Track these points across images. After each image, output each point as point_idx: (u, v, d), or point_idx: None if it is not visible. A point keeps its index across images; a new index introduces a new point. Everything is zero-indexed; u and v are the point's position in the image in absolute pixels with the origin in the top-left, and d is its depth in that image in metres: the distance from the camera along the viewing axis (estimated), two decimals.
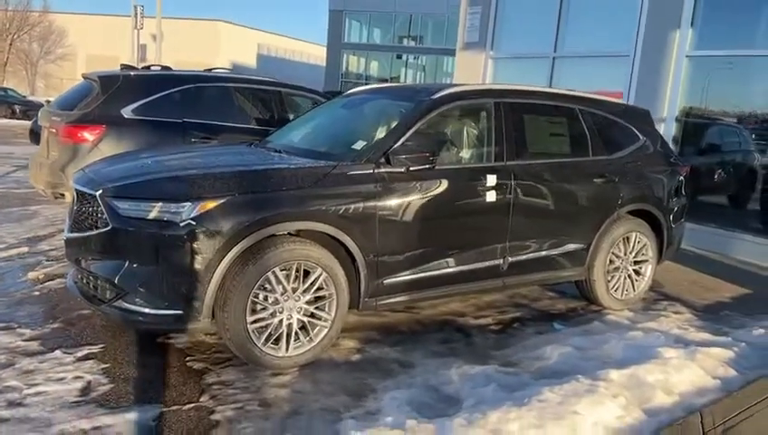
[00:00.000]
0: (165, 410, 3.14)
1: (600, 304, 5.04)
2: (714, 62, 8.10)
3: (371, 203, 3.74)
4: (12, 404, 3.09)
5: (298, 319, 3.61)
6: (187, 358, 3.75)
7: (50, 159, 6.20)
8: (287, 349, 3.59)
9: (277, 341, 3.56)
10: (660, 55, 8.30)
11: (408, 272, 3.99)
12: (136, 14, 40.65)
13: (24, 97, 31.10)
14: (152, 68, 7.17)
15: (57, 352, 3.68)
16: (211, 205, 3.30)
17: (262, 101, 6.98)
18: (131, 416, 3.06)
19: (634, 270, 5.15)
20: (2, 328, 3.99)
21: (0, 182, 9.78)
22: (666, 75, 8.26)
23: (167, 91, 6.39)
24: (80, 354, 3.67)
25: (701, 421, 3.15)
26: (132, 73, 6.50)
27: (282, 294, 3.53)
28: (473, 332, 4.51)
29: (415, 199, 3.93)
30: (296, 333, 3.62)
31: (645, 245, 5.12)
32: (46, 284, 4.87)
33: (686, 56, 8.12)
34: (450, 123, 4.39)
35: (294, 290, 3.57)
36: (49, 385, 3.30)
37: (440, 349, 4.15)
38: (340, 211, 3.63)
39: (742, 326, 4.89)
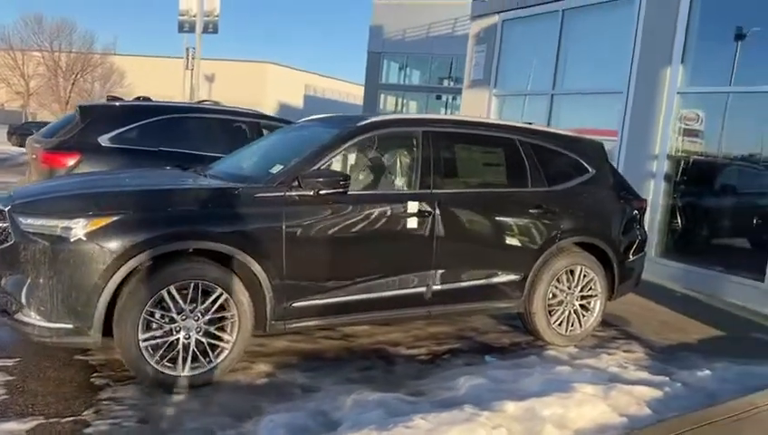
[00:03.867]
0: (43, 421, 3.19)
1: (542, 338, 4.90)
2: (706, 98, 7.91)
3: (277, 225, 3.78)
4: None
5: (197, 339, 3.64)
6: (94, 374, 3.82)
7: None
8: (184, 368, 3.61)
9: (174, 360, 3.59)
10: (652, 92, 8.17)
11: (320, 296, 3.98)
12: (187, 56, 42.39)
13: None
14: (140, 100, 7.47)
15: None
16: (103, 222, 3.40)
17: (239, 131, 7.14)
18: (8, 426, 3.12)
19: (581, 305, 4.99)
20: None
21: None
22: (658, 112, 8.11)
23: (144, 121, 6.64)
24: None
25: None
26: (113, 104, 6.79)
27: (179, 314, 3.58)
28: (399, 361, 4.44)
29: (326, 223, 3.95)
30: (195, 353, 3.64)
31: (592, 279, 4.97)
32: None
33: (678, 93, 7.96)
34: (374, 150, 4.42)
35: (192, 310, 3.61)
36: None
37: (356, 376, 4.10)
38: (240, 232, 3.68)
39: (691, 367, 4.66)
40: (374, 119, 4.37)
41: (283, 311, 3.88)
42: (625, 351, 5.00)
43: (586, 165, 5.09)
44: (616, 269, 5.08)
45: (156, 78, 60.05)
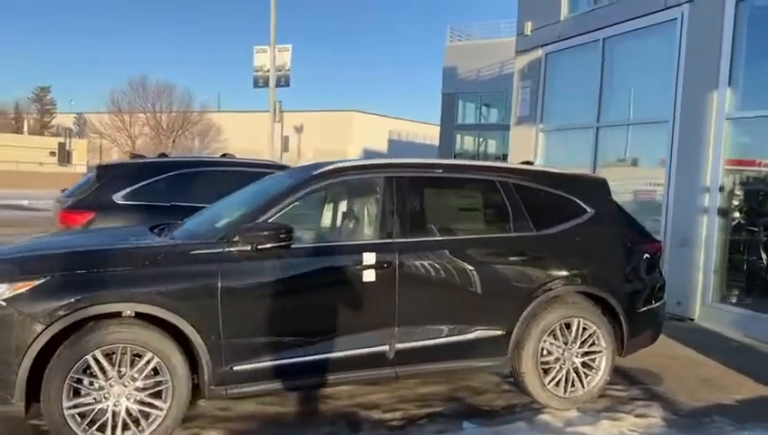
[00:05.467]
0: None
1: (536, 400, 4.37)
2: (760, 123, 7.10)
3: (212, 283, 3.58)
4: None
5: (127, 407, 3.47)
6: None
7: None
8: None
9: (103, 429, 3.43)
10: (699, 119, 7.46)
11: (265, 358, 3.73)
12: (274, 109, 44.44)
13: None
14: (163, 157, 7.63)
15: None
16: (26, 286, 3.33)
17: (252, 181, 7.10)
18: None
19: (583, 362, 4.43)
20: None
21: None
22: (706, 141, 7.37)
23: (156, 178, 6.73)
24: None
25: None
26: (128, 162, 6.95)
27: (107, 380, 3.43)
28: (366, 427, 4.07)
29: (268, 280, 3.72)
30: (126, 422, 3.47)
31: (594, 332, 4.41)
32: None
33: (727, 119, 7.21)
34: (331, 200, 4.18)
35: (121, 375, 3.45)
36: None
37: None
38: (171, 292, 3.51)
39: None
40: (331, 166, 4.13)
41: (223, 375, 3.65)
42: (638, 415, 4.37)
43: (583, 205, 4.58)
44: (624, 321, 4.50)
45: (250, 132, 62.87)
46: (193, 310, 3.54)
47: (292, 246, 3.77)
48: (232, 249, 3.68)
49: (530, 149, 10.75)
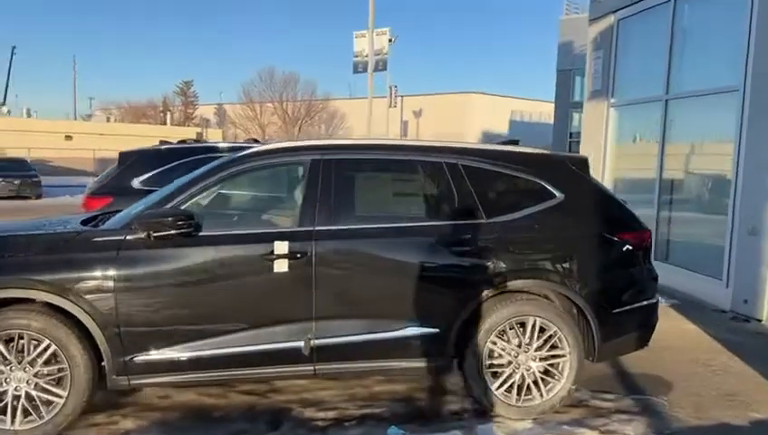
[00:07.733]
0: None
1: (486, 407, 3.89)
2: None
3: (109, 271, 3.49)
4: None
5: (27, 392, 3.48)
6: None
7: None
8: (13, 422, 3.47)
9: (4, 412, 3.47)
10: None
11: (167, 350, 3.59)
12: (390, 94, 44.72)
13: None
14: (187, 142, 7.78)
15: None
16: None
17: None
18: None
19: (541, 368, 3.87)
20: None
21: None
22: None
23: (173, 163, 6.85)
24: None
25: None
26: (148, 148, 7.13)
27: (7, 365, 3.46)
28: (286, 426, 3.82)
29: (167, 269, 3.56)
30: (26, 408, 3.48)
31: (555, 334, 3.83)
32: None
33: None
34: (250, 184, 3.93)
35: (20, 361, 3.47)
36: None
37: None
38: (67, 279, 3.45)
39: None
40: (254, 149, 3.90)
41: (123, 365, 3.56)
42: (606, 431, 3.77)
43: (550, 188, 3.97)
44: (594, 323, 3.87)
45: (372, 118, 63.27)
46: (88, 298, 3.47)
47: (200, 233, 3.60)
48: (130, 237, 3.56)
49: (601, 126, 9.84)
